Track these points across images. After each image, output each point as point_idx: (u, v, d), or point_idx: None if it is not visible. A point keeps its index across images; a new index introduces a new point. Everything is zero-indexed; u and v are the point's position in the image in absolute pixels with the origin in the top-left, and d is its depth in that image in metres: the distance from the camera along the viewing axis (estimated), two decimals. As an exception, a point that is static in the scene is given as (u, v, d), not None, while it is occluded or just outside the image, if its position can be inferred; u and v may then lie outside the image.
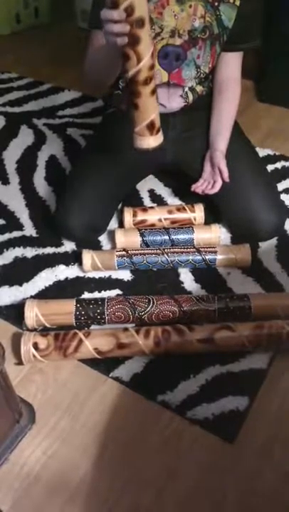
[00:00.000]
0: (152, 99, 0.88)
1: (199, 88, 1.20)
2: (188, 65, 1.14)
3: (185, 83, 1.17)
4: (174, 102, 1.19)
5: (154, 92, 0.88)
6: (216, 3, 1.08)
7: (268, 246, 1.25)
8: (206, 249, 1.18)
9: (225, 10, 1.09)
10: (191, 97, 1.20)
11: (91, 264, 1.16)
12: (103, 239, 1.28)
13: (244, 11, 1.09)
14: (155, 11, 1.06)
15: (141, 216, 1.27)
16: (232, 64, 1.20)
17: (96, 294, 1.14)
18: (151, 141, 0.92)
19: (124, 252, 1.17)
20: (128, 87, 0.87)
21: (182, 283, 1.17)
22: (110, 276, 1.19)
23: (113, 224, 1.31)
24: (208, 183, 1.20)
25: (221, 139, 1.20)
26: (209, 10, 1.08)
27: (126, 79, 0.86)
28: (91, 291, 1.15)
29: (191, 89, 1.19)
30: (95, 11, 1.11)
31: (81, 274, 1.19)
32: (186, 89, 1.18)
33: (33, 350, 0.97)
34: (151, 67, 0.85)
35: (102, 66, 1.00)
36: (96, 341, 0.97)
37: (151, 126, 0.90)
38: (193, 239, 1.22)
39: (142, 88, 0.86)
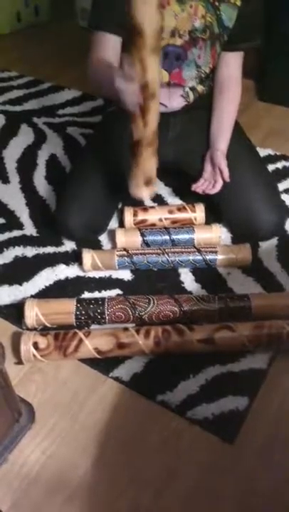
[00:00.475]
0: (152, 159, 0.95)
1: (200, 88, 1.20)
2: (188, 65, 1.14)
3: (186, 83, 1.17)
4: (175, 101, 1.19)
5: (155, 153, 0.94)
6: (217, 3, 1.07)
7: (268, 246, 1.25)
8: (206, 249, 1.18)
9: (225, 10, 1.09)
10: (191, 97, 1.20)
11: (91, 264, 1.16)
12: (103, 238, 1.28)
13: (245, 10, 1.09)
14: None
15: (141, 216, 1.27)
16: (232, 64, 1.20)
17: (96, 294, 1.14)
18: (145, 193, 0.99)
19: (124, 252, 1.17)
20: (132, 146, 0.93)
21: (182, 283, 1.17)
22: (111, 275, 1.18)
23: (113, 223, 1.31)
24: (209, 183, 1.20)
25: (222, 138, 1.20)
26: (210, 10, 1.07)
27: (131, 139, 0.92)
28: (91, 290, 1.15)
29: (192, 88, 1.19)
30: (96, 11, 1.11)
31: (81, 274, 1.19)
32: (187, 88, 1.18)
33: (33, 349, 0.97)
34: (156, 133, 0.91)
35: (105, 91, 1.02)
36: (96, 341, 0.97)
37: (147, 181, 0.97)
38: (193, 239, 1.22)
39: (144, 150, 0.92)
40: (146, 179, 0.96)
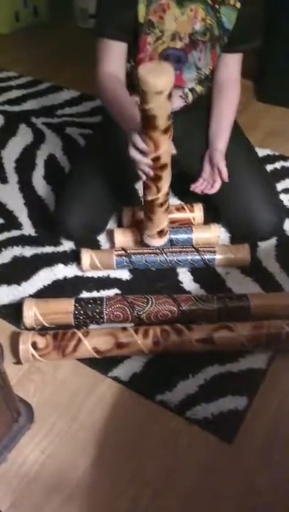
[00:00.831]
0: (165, 214, 1.04)
1: (199, 88, 1.20)
2: (189, 67, 1.14)
3: (185, 84, 1.17)
4: (174, 102, 1.19)
5: (167, 209, 1.03)
6: (217, 6, 1.08)
7: (267, 246, 1.25)
8: (205, 248, 1.18)
9: (225, 12, 1.09)
10: (190, 97, 1.20)
11: (90, 264, 1.16)
12: (102, 238, 1.28)
13: (244, 13, 1.10)
14: (156, 15, 1.06)
15: (140, 215, 1.27)
16: (232, 65, 1.21)
17: (95, 294, 1.14)
18: (158, 243, 1.12)
19: (123, 252, 1.17)
20: (145, 205, 1.02)
21: (181, 283, 1.17)
22: (109, 275, 1.18)
23: (112, 223, 1.31)
24: (208, 183, 1.20)
25: (221, 139, 1.20)
26: (210, 13, 1.08)
27: (145, 199, 1.02)
28: (90, 290, 1.15)
29: (191, 89, 1.19)
30: (99, 18, 1.11)
31: (80, 274, 1.19)
32: (186, 89, 1.18)
33: (31, 349, 0.97)
34: (168, 193, 1.01)
35: (112, 116, 1.07)
36: (95, 341, 0.97)
37: (160, 233, 1.09)
38: (192, 238, 1.22)
39: (157, 208, 1.02)
40: (158, 231, 1.08)
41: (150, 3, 1.05)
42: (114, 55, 1.10)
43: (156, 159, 0.92)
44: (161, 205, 1.02)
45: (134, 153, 0.92)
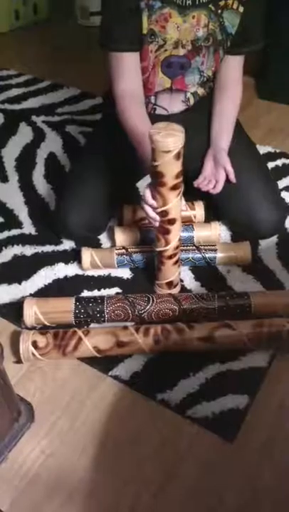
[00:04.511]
0: (174, 267, 1.06)
1: (201, 91, 1.21)
2: (192, 71, 1.14)
3: (188, 88, 1.17)
4: (176, 106, 1.20)
5: (176, 262, 1.05)
6: (220, 11, 1.07)
7: (268, 244, 1.24)
8: (206, 247, 1.18)
9: (228, 16, 1.08)
10: (192, 101, 1.21)
11: (90, 262, 1.16)
12: (102, 237, 1.28)
13: (248, 16, 1.09)
14: (158, 25, 1.05)
15: (141, 214, 1.26)
16: (234, 66, 1.20)
17: (95, 292, 1.14)
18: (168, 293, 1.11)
19: (123, 250, 1.17)
20: (156, 254, 1.05)
21: (182, 281, 1.16)
22: (110, 274, 1.18)
23: (113, 222, 1.31)
24: (209, 182, 1.20)
25: (225, 138, 1.20)
26: (212, 18, 1.07)
27: (154, 250, 1.05)
28: (90, 289, 1.15)
29: (193, 93, 1.19)
30: (107, 30, 1.09)
31: (80, 272, 1.19)
32: (189, 94, 1.18)
33: (32, 348, 0.96)
34: (178, 247, 1.03)
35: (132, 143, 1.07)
36: (95, 340, 0.97)
37: (170, 284, 1.09)
38: (193, 237, 1.22)
39: (166, 260, 1.04)
40: (168, 282, 1.08)
41: (152, 13, 1.05)
42: (130, 69, 1.10)
43: (164, 213, 0.95)
44: (170, 257, 1.04)
45: (143, 205, 0.96)
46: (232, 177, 1.15)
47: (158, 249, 1.03)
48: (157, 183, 0.91)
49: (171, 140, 0.84)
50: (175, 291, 1.11)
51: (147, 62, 1.12)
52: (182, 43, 1.08)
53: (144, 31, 1.06)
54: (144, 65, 1.13)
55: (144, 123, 1.07)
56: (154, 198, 0.94)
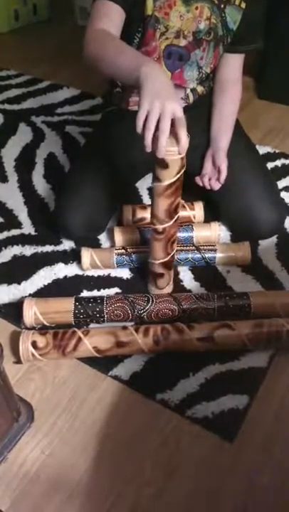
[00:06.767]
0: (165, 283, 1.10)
1: (200, 88, 1.20)
2: (190, 65, 1.14)
3: (187, 84, 1.17)
4: None
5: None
6: (222, 6, 1.07)
7: (267, 244, 1.24)
8: (205, 247, 1.18)
9: (230, 12, 1.08)
10: (191, 98, 1.20)
11: (90, 263, 1.16)
12: (102, 237, 1.27)
13: (249, 14, 1.09)
14: (162, 11, 1.05)
15: (140, 214, 1.26)
16: (234, 65, 1.20)
17: (95, 293, 1.14)
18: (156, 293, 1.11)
19: (123, 250, 1.17)
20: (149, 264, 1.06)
21: (181, 281, 1.16)
22: (109, 274, 1.18)
23: (112, 222, 1.31)
24: (210, 179, 1.20)
25: (224, 138, 1.20)
26: (215, 12, 1.07)
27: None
28: (90, 289, 1.15)
29: (192, 90, 1.19)
30: None
31: (80, 273, 1.18)
32: (188, 91, 1.18)
33: (31, 348, 0.96)
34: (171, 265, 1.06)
35: (104, 64, 0.94)
36: (95, 340, 0.97)
37: (160, 289, 1.11)
38: (192, 237, 1.22)
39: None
40: (159, 289, 1.11)
41: None
42: (111, 18, 1.00)
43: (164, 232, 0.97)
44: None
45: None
46: (222, 178, 1.15)
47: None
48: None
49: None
50: (168, 289, 1.10)
51: (148, 48, 1.09)
52: (184, 33, 1.08)
53: (149, 12, 1.04)
54: (145, 51, 1.09)
55: (116, 38, 0.98)
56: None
